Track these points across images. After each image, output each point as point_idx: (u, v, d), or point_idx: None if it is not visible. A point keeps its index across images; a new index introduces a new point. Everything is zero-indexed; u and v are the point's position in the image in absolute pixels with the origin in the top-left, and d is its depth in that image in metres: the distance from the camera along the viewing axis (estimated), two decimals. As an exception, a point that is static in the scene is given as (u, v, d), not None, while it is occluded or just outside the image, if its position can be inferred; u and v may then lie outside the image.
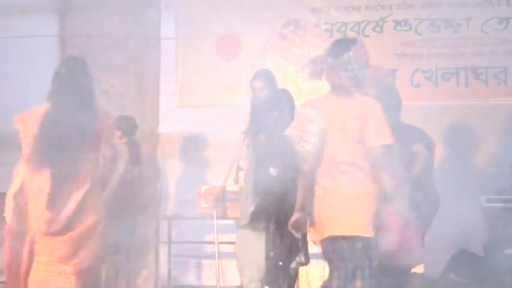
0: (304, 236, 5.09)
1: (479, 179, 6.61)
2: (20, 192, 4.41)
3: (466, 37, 6.88)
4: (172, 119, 7.22)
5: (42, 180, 4.22)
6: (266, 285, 5.27)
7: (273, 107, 5.31)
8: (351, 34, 6.77)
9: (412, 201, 5.05)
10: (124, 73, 7.22)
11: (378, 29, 7.00)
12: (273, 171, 5.20)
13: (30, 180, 4.28)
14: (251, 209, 5.32)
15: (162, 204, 7.05)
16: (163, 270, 6.78)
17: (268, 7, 7.16)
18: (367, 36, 6.82)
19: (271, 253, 5.23)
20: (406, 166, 5.32)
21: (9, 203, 4.36)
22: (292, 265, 5.23)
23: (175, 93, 7.25)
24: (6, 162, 6.41)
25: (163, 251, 6.77)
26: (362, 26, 6.96)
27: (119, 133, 5.73)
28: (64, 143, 4.24)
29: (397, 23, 7.00)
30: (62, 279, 4.27)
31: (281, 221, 5.14)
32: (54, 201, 4.20)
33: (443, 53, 6.94)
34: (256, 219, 5.31)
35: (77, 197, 4.21)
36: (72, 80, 4.34)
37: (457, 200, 6.38)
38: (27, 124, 4.31)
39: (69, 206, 4.22)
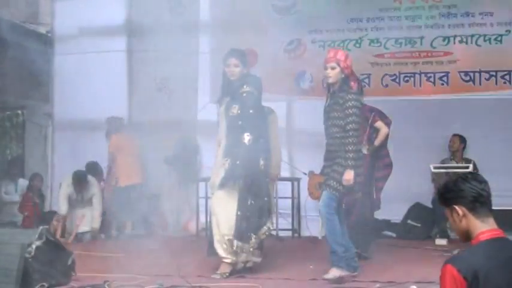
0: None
1: (429, 152, 8.19)
2: None
3: (419, 51, 8.56)
4: (207, 111, 8.49)
5: None
6: (236, 239, 5.42)
7: (246, 83, 5.65)
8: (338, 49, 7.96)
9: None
10: (172, 77, 8.81)
11: (357, 45, 8.64)
12: (246, 138, 5.41)
13: None
14: (222, 173, 5.48)
15: (200, 170, 8.65)
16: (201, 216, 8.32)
17: (277, 29, 8.77)
18: (349, 50, 8.29)
19: (239, 212, 5.42)
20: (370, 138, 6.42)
21: None
22: (263, 232, 5.57)
23: (209, 92, 8.64)
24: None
25: (201, 202, 8.17)
26: (346, 43, 8.63)
27: None
28: None
29: (371, 40, 8.70)
30: None
31: (249, 183, 5.42)
32: None
33: (404, 62, 8.62)
34: (227, 181, 5.43)
35: None
36: None
37: (415, 166, 7.97)
38: None
39: None
